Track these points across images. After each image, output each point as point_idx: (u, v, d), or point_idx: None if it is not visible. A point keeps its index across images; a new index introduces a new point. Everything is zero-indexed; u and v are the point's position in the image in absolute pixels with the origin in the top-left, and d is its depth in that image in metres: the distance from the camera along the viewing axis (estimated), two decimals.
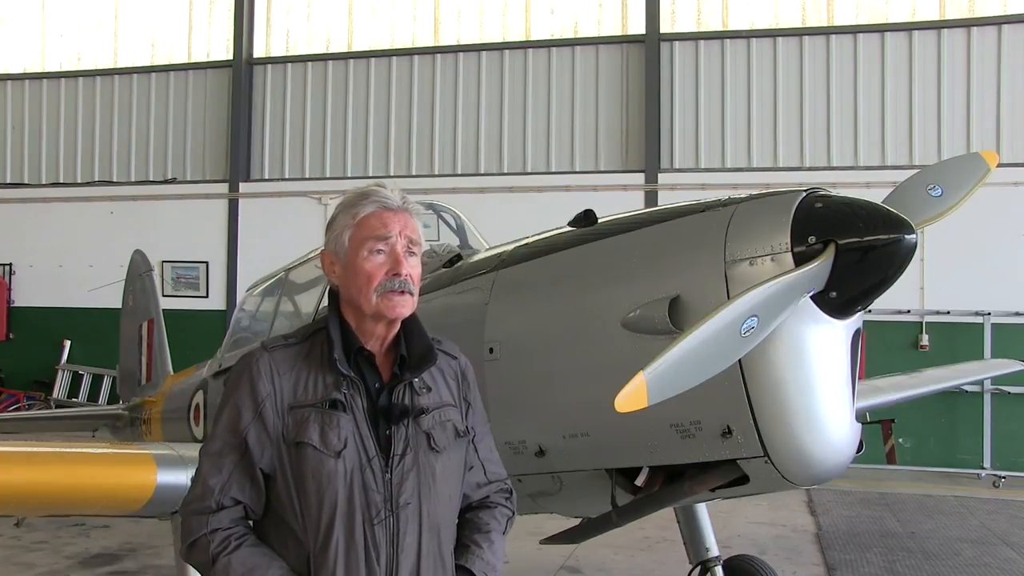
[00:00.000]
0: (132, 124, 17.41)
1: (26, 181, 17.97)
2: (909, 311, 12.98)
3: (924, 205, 3.46)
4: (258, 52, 16.81)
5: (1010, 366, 9.55)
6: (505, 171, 15.37)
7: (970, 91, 13.67)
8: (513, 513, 2.49)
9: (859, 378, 3.44)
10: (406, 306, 2.26)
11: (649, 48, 14.69)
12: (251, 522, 2.27)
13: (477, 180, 15.25)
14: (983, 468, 12.55)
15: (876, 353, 11.33)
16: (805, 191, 3.31)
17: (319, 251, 2.41)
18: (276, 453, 2.21)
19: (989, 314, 12.77)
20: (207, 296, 16.52)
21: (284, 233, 15.05)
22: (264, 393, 2.22)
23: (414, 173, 15.70)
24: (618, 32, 15.13)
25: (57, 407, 15.45)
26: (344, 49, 16.38)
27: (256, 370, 2.24)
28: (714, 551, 5.18)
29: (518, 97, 15.43)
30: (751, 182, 12.52)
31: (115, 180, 17.38)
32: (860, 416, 3.54)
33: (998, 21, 13.64)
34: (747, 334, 2.89)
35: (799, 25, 14.36)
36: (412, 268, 2.27)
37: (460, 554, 2.33)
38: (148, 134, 17.36)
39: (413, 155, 15.91)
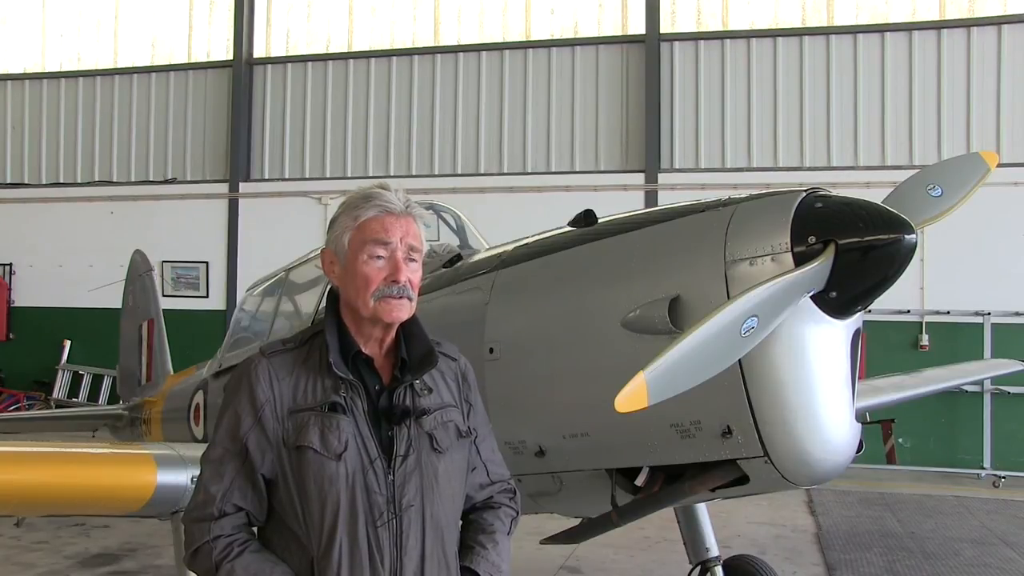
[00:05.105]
0: (132, 124, 17.42)
1: (26, 181, 17.97)
2: (909, 311, 12.98)
3: (924, 205, 3.45)
4: (258, 52, 16.81)
5: (1010, 366, 9.54)
6: (505, 171, 15.37)
7: (970, 91, 13.67)
8: (517, 513, 2.49)
9: (859, 378, 3.44)
10: (403, 310, 2.24)
11: (649, 48, 14.70)
12: (254, 529, 2.26)
13: (477, 180, 15.25)
14: (983, 468, 12.56)
15: (876, 353, 11.34)
16: (805, 191, 3.30)
17: (319, 251, 2.40)
18: (277, 458, 2.20)
19: (989, 314, 12.77)
20: (207, 296, 16.52)
21: (284, 233, 15.06)
22: (263, 398, 2.21)
23: (414, 173, 15.70)
24: (618, 32, 15.13)
25: (57, 407, 15.44)
26: (344, 49, 16.39)
27: (255, 376, 2.24)
28: (714, 551, 5.17)
29: (518, 97, 15.43)
30: (751, 182, 12.52)
31: (115, 180, 17.39)
32: (860, 416, 3.54)
33: (998, 21, 13.64)
34: (747, 334, 2.88)
35: (799, 25, 14.36)
36: (412, 274, 2.26)
37: (465, 555, 2.33)
38: (148, 134, 17.36)
39: (413, 155, 15.91)
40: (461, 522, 2.39)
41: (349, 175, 15.90)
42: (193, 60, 17.25)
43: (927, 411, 12.54)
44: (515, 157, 15.41)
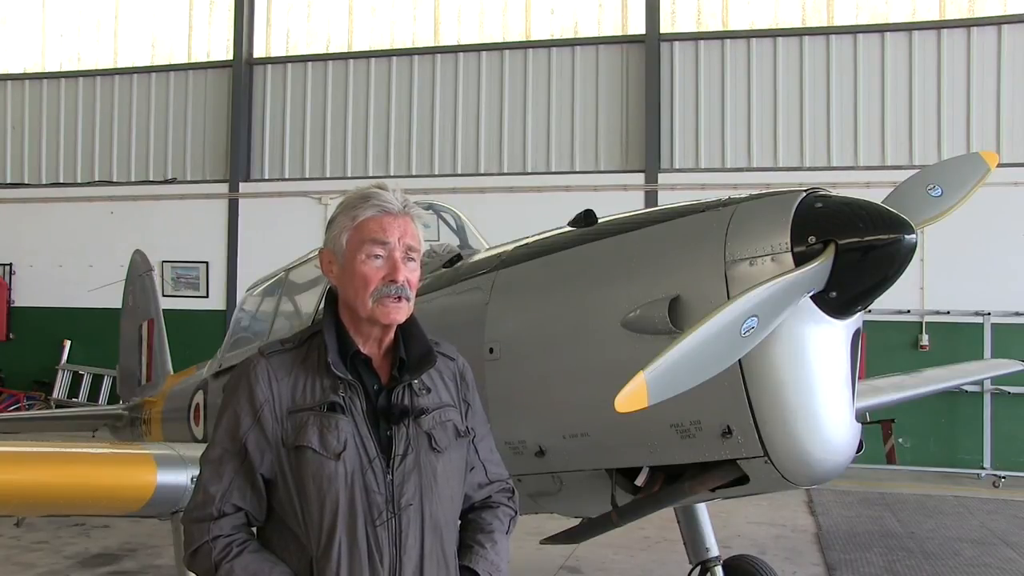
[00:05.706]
0: (132, 124, 17.42)
1: (26, 181, 17.97)
2: (909, 311, 12.98)
3: (924, 205, 3.45)
4: (258, 52, 16.81)
5: (1010, 366, 9.55)
6: (505, 171, 15.38)
7: (970, 91, 13.67)
8: (516, 512, 2.49)
9: (859, 378, 3.44)
10: (401, 311, 2.25)
11: (649, 48, 14.70)
12: (253, 529, 2.27)
13: (477, 180, 15.25)
14: (983, 468, 12.56)
15: (876, 353, 11.33)
16: (805, 191, 3.30)
17: (319, 250, 2.41)
18: (276, 458, 2.21)
19: (989, 314, 12.77)
20: (207, 296, 16.52)
21: (284, 233, 15.05)
22: (262, 399, 2.22)
23: (414, 173, 15.71)
24: (618, 32, 15.13)
25: (57, 407, 15.45)
26: (344, 49, 16.39)
27: (254, 376, 2.24)
28: (714, 551, 5.17)
29: (518, 97, 15.43)
30: (751, 182, 12.51)
31: (115, 180, 17.39)
32: (860, 416, 3.54)
33: (998, 21, 13.64)
34: (747, 334, 2.88)
35: (799, 25, 14.36)
36: (410, 273, 2.26)
37: (464, 554, 2.33)
38: (148, 134, 17.36)
39: (413, 155, 15.91)
40: (460, 521, 2.40)
41: (349, 175, 15.90)
42: (193, 60, 17.25)
43: (927, 411, 12.54)
44: (515, 157, 15.41)
